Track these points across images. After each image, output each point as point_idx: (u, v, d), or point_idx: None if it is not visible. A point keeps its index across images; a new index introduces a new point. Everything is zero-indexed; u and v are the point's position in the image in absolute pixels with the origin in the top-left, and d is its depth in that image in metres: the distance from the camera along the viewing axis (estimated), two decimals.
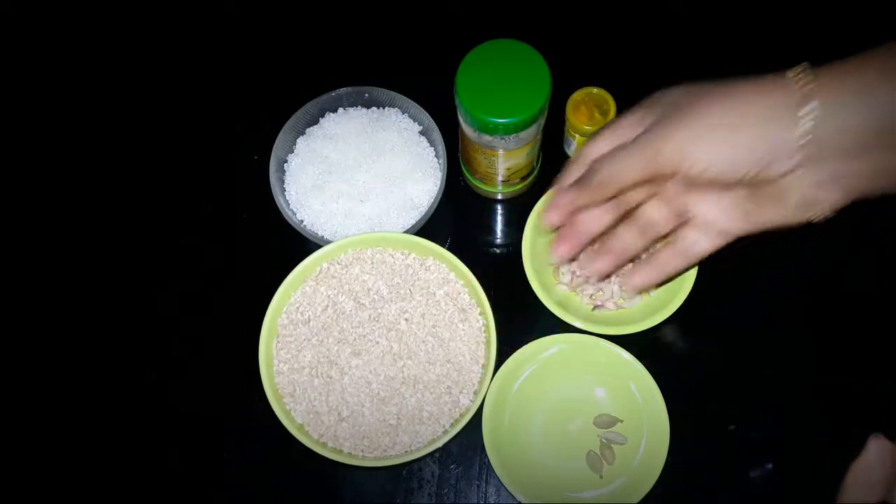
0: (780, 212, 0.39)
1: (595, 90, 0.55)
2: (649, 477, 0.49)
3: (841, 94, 0.36)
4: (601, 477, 0.51)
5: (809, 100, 0.36)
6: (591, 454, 0.51)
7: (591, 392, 0.53)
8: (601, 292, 0.55)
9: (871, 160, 0.37)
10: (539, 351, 0.53)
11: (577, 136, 0.56)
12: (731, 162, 0.38)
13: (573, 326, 0.52)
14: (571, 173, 0.44)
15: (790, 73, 0.37)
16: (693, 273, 0.52)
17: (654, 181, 0.40)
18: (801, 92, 0.36)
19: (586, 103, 0.55)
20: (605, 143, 0.43)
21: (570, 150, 0.58)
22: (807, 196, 0.38)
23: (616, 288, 0.54)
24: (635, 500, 0.49)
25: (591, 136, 0.44)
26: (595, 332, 0.52)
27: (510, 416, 0.52)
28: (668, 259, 0.43)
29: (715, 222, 0.41)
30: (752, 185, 0.39)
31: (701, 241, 0.42)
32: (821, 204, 0.39)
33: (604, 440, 0.52)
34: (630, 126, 0.42)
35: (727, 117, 0.37)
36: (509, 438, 0.51)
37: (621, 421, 0.52)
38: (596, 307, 0.54)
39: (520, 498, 0.49)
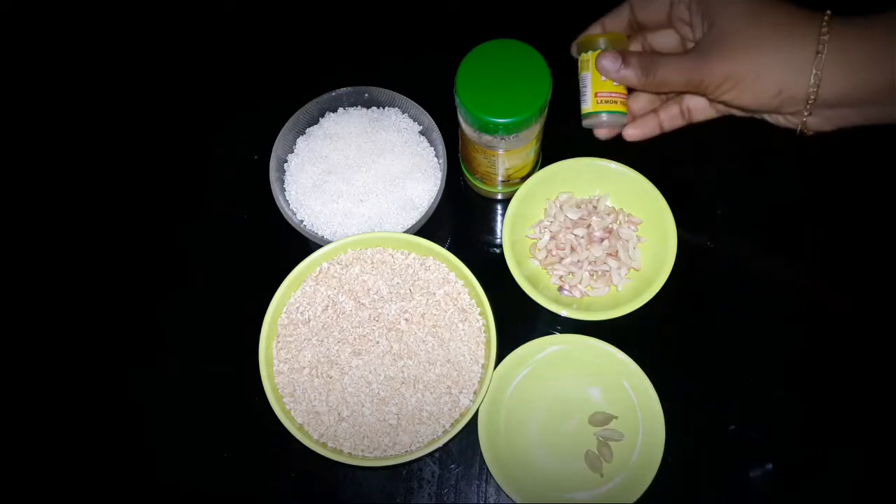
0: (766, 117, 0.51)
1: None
2: (648, 472, 0.49)
3: (848, 60, 0.43)
4: (602, 476, 0.51)
5: (822, 61, 0.44)
6: (590, 453, 0.51)
7: (586, 392, 0.53)
8: (571, 276, 0.55)
9: (862, 111, 0.45)
10: (533, 353, 0.53)
11: (591, 59, 0.52)
12: (754, 104, 0.47)
13: (561, 318, 0.52)
14: (612, 16, 0.53)
15: (821, 21, 0.44)
16: (666, 270, 0.52)
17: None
18: (818, 48, 0.44)
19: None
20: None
21: (587, 102, 0.53)
22: (796, 122, 0.48)
23: (586, 275, 0.54)
24: (634, 497, 0.49)
25: None
26: (557, 312, 0.51)
27: (506, 419, 0.52)
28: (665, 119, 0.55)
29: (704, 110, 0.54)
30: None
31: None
32: (807, 127, 0.48)
33: (600, 438, 0.52)
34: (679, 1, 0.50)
35: (762, 63, 0.45)
36: (506, 442, 0.52)
37: (616, 417, 0.52)
38: (562, 289, 0.54)
39: (517, 499, 0.49)
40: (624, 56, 0.49)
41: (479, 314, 0.52)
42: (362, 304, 0.52)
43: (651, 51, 0.55)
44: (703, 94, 0.49)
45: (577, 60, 0.55)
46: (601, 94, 0.52)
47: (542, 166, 0.56)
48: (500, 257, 0.53)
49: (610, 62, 0.50)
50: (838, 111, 0.46)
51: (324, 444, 0.49)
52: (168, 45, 0.67)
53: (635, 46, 0.55)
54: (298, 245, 0.56)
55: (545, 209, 0.57)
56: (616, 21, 0.52)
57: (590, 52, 0.53)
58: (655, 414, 0.50)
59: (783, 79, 0.45)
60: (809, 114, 0.46)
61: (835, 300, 0.56)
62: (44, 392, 0.56)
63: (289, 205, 0.57)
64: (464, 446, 0.53)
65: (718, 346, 0.55)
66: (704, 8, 0.48)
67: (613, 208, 0.57)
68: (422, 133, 0.59)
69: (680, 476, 0.51)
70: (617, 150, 0.56)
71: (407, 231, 0.54)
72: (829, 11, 0.45)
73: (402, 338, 0.51)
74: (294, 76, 0.65)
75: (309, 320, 0.52)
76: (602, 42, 0.52)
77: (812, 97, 0.45)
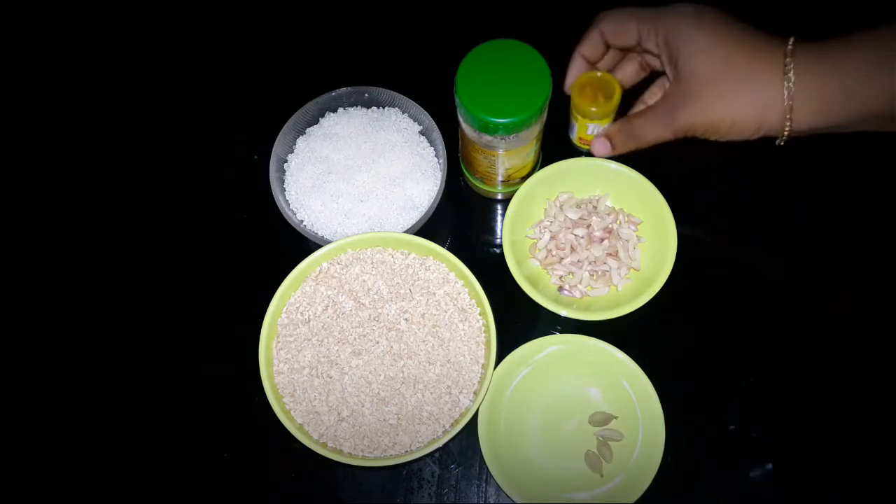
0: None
1: (599, 74, 0.55)
2: (648, 472, 0.49)
3: (815, 98, 0.45)
4: (602, 476, 0.51)
5: (790, 103, 0.45)
6: (590, 453, 0.51)
7: (586, 392, 0.53)
8: (571, 276, 0.55)
9: (835, 132, 0.47)
10: (533, 353, 0.53)
11: (580, 118, 0.55)
12: (737, 139, 0.49)
13: (561, 318, 0.52)
14: (587, 45, 0.54)
15: (785, 52, 0.45)
16: (666, 270, 0.52)
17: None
18: (784, 95, 0.45)
19: (591, 86, 0.55)
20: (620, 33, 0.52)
21: (573, 136, 0.58)
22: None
23: (586, 275, 0.55)
24: (634, 498, 0.49)
25: (612, 16, 0.52)
26: (557, 312, 0.51)
27: (506, 420, 0.52)
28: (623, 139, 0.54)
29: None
30: None
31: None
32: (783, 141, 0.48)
33: (600, 438, 0.52)
34: (647, 37, 0.50)
35: (736, 110, 0.47)
36: (506, 442, 0.52)
37: (616, 417, 0.52)
38: (562, 289, 0.55)
39: (517, 499, 0.49)
40: (610, 137, 0.54)
41: (479, 314, 0.52)
42: (362, 304, 0.52)
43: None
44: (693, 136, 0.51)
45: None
46: (584, 139, 0.57)
47: (542, 166, 0.56)
48: (500, 257, 0.53)
49: (602, 149, 0.54)
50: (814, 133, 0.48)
51: (324, 444, 0.49)
52: (168, 46, 0.67)
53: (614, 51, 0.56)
54: (298, 245, 0.56)
55: (545, 209, 0.57)
56: (592, 47, 0.53)
57: (577, 117, 0.55)
58: (655, 414, 0.50)
59: (760, 121, 0.47)
60: (783, 143, 0.48)
61: (835, 300, 0.56)
62: (44, 392, 0.56)
63: (289, 205, 0.57)
64: (464, 446, 0.53)
65: (718, 346, 0.55)
66: (669, 53, 0.49)
67: (613, 208, 0.57)
68: (422, 133, 0.59)
69: (680, 476, 0.51)
70: None
71: (407, 231, 0.54)
72: (791, 41, 0.45)
73: (402, 338, 0.51)
74: (294, 76, 0.65)
75: (309, 320, 0.52)
76: (593, 114, 0.54)
77: (786, 131, 0.47)
